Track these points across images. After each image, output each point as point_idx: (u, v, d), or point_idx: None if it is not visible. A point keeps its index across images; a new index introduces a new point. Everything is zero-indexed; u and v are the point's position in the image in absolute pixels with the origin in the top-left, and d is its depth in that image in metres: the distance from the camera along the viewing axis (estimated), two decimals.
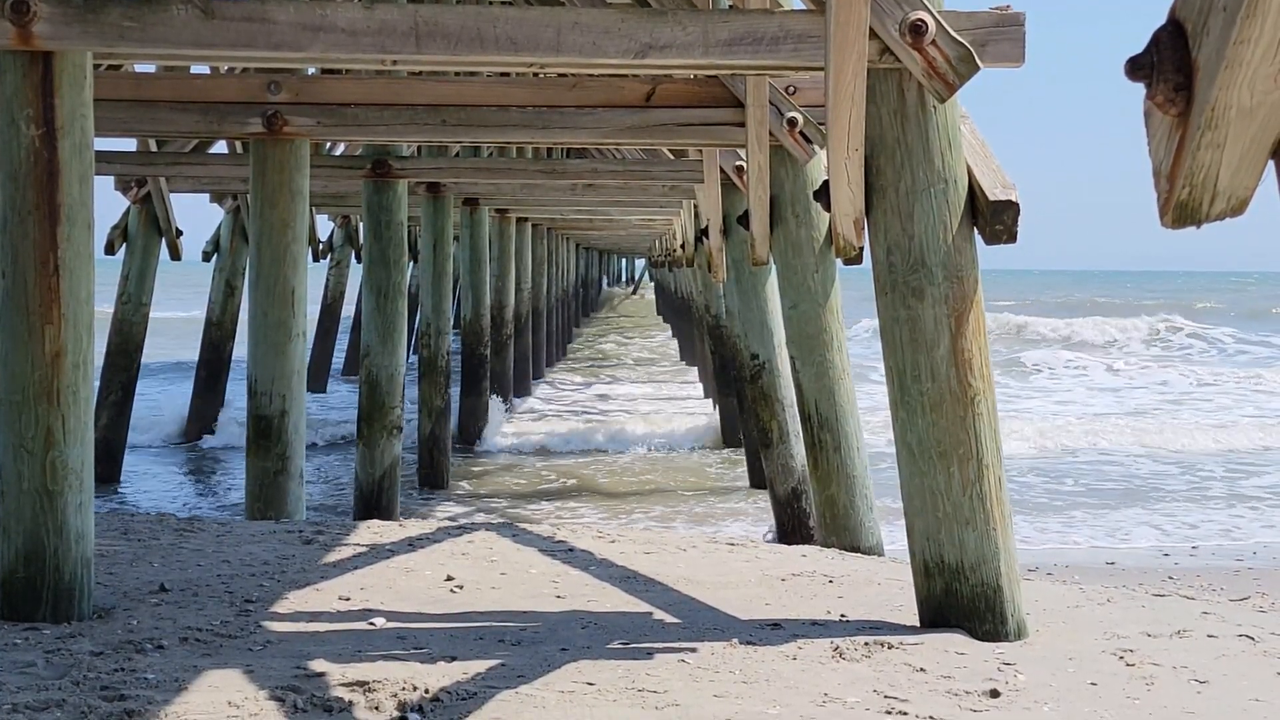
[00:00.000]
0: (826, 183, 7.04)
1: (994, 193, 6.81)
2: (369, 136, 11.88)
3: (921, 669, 6.15)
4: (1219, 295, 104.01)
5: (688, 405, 28.33)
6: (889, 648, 6.48)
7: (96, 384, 15.38)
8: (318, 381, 29.41)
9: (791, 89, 10.81)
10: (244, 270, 21.85)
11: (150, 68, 14.89)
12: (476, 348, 23.00)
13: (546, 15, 6.94)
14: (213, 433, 22.88)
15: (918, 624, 7.01)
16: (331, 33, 6.94)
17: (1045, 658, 6.44)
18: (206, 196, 21.72)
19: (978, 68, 6.66)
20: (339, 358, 34.11)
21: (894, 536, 10.83)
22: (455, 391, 20.81)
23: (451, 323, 20.25)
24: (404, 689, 5.68)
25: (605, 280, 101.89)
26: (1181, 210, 2.57)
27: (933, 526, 6.93)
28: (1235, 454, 22.77)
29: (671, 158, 16.92)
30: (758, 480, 17.22)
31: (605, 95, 11.03)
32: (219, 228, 22.61)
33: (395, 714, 5.43)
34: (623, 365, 40.85)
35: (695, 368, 33.31)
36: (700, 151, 14.16)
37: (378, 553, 8.84)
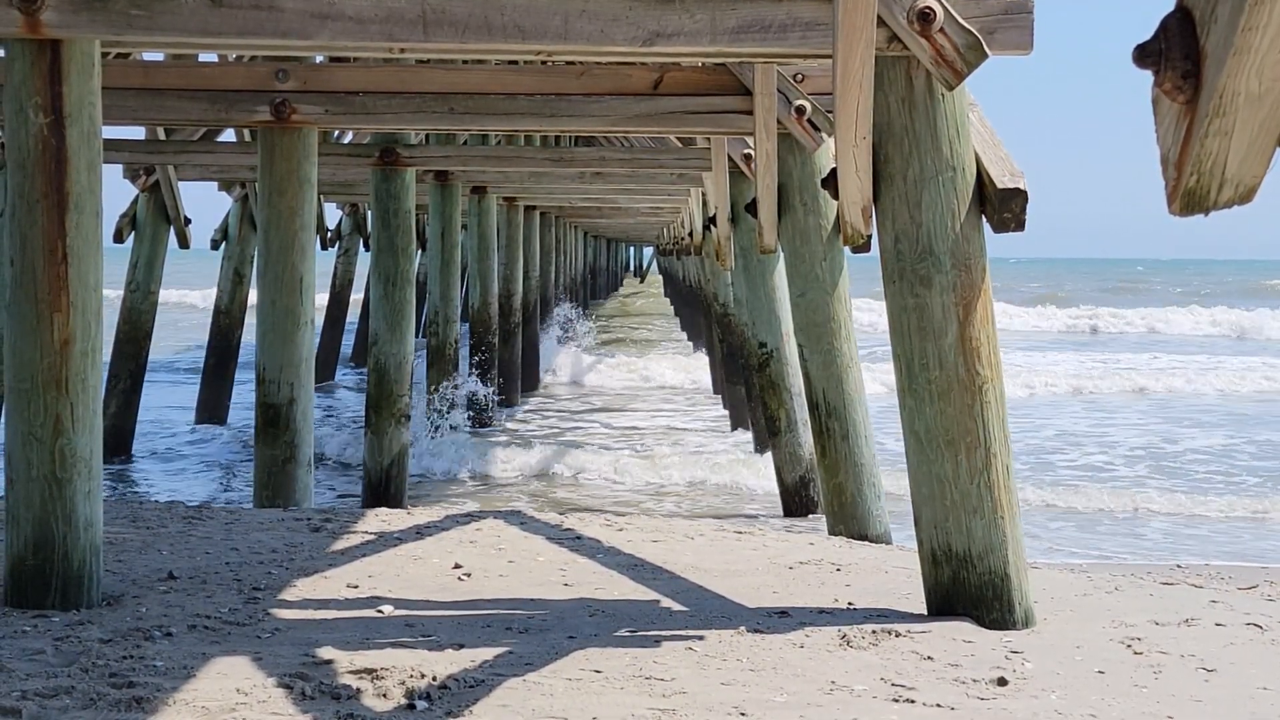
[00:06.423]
0: (834, 170, 7.04)
1: (1002, 180, 6.80)
2: (377, 124, 11.88)
3: (929, 657, 6.15)
4: None
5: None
6: (896, 636, 6.48)
7: (105, 371, 15.37)
8: (325, 369, 29.39)
9: (799, 76, 10.79)
10: (252, 258, 21.84)
11: (158, 55, 14.89)
12: (485, 336, 23.01)
13: (554, 3, 6.93)
14: (223, 421, 22.86)
15: (925, 612, 7.01)
16: (339, 20, 6.94)
17: (1053, 646, 6.44)
18: (215, 184, 21.71)
19: (986, 55, 6.65)
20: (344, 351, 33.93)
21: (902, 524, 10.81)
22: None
23: (459, 311, 20.24)
24: (412, 676, 5.69)
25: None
26: (1189, 198, 2.56)
27: (940, 515, 6.93)
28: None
29: (679, 145, 16.90)
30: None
31: (613, 83, 11.02)
32: (227, 215, 22.59)
33: (403, 701, 5.44)
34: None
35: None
36: (708, 139, 14.15)
37: (385, 540, 8.85)
